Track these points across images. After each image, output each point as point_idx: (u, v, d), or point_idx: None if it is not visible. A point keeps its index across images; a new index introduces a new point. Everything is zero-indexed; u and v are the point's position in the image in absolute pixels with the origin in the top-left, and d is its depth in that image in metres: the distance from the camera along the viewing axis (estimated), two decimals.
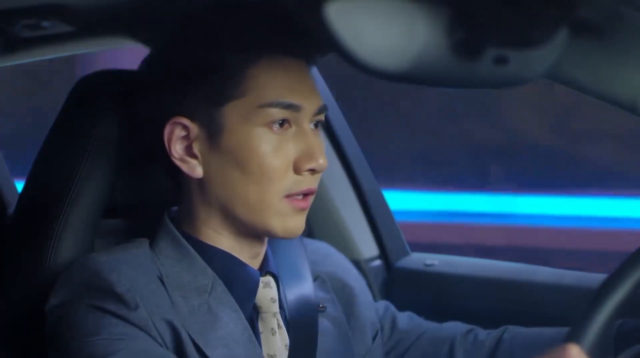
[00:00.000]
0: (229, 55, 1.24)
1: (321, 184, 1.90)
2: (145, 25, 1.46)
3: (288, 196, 1.26)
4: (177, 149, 1.27)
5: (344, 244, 1.88)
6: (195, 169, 1.27)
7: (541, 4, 0.95)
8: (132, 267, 1.25)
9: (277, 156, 1.24)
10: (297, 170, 1.26)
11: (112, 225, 1.41)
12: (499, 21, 0.95)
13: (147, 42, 1.51)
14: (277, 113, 1.24)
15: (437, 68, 0.95)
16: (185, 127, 1.26)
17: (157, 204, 1.37)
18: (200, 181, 1.28)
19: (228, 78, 1.24)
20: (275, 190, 1.25)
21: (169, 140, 1.27)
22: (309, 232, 1.89)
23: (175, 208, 1.35)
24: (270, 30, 1.24)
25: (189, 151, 1.27)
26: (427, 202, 5.03)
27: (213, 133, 1.25)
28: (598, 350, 0.98)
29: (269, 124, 1.24)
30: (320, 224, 1.90)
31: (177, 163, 1.27)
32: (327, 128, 1.87)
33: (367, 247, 1.94)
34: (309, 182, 1.27)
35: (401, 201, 4.60)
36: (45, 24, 1.28)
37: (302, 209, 1.27)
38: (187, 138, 1.27)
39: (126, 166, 1.39)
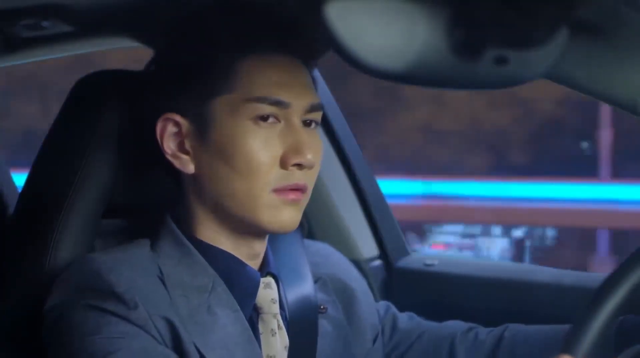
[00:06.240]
0: (219, 51, 1.25)
1: (321, 184, 1.91)
2: (145, 26, 1.46)
3: (276, 190, 1.26)
4: (169, 145, 1.28)
5: (344, 244, 1.88)
6: (187, 165, 1.28)
7: (541, 4, 0.95)
8: (130, 267, 1.25)
9: (264, 151, 1.25)
10: (283, 165, 1.25)
11: (112, 225, 1.41)
12: (499, 21, 0.95)
13: (147, 42, 1.51)
14: (264, 108, 1.25)
15: (437, 68, 0.95)
16: (177, 123, 1.28)
17: (157, 204, 1.37)
18: (194, 178, 1.29)
19: (217, 73, 1.25)
20: (262, 184, 1.25)
21: (162, 136, 1.28)
22: (309, 232, 1.89)
23: (177, 208, 1.35)
24: (262, 28, 1.26)
25: (181, 147, 1.28)
26: None
27: (203, 128, 1.26)
28: (599, 349, 0.98)
29: (255, 119, 1.25)
30: (320, 224, 1.90)
31: (170, 158, 1.29)
32: (327, 128, 1.88)
33: (367, 247, 1.94)
34: (297, 177, 1.26)
35: None
36: (45, 24, 1.28)
37: (294, 202, 1.27)
38: (179, 134, 1.28)
39: (126, 166, 1.39)
